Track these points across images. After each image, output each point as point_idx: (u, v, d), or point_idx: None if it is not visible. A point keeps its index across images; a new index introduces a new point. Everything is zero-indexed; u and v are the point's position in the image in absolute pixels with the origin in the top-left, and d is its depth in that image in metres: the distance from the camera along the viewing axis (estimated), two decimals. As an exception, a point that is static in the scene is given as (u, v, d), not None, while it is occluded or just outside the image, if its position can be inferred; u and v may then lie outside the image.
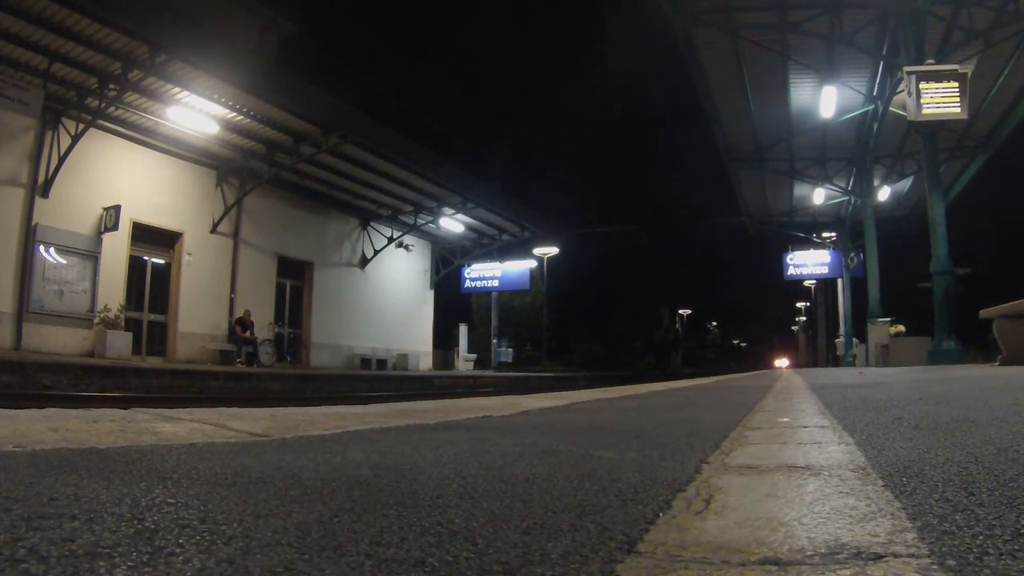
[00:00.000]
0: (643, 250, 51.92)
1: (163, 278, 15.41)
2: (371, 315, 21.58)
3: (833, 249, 26.40)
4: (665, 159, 76.52)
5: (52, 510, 1.00)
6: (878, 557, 0.81)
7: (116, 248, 13.87)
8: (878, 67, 14.94)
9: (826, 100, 15.75)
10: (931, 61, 11.46)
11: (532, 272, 28.49)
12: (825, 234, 26.64)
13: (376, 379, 16.06)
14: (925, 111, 10.68)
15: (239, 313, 16.33)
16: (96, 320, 13.19)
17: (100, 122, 13.04)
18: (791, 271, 27.71)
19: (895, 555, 0.82)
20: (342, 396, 10.80)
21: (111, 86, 12.21)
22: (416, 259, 24.00)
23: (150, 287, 15.07)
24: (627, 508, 1.10)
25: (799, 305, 53.61)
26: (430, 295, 25.26)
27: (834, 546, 0.86)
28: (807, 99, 16.76)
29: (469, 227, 23.52)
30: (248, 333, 16.06)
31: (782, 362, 64.11)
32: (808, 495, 1.18)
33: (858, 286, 22.76)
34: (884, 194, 20.56)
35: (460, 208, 21.24)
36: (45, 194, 12.55)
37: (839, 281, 26.88)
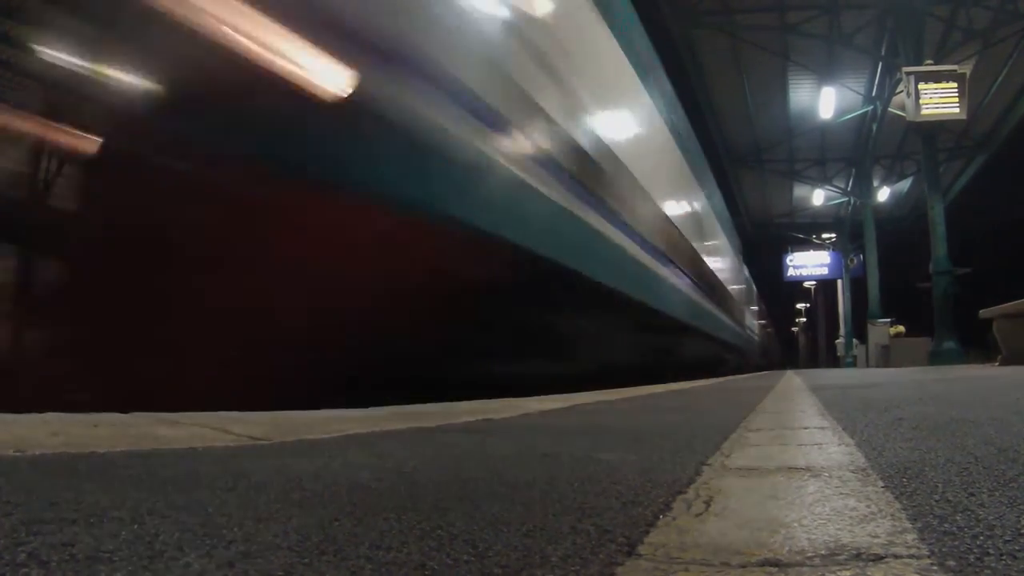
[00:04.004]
0: (643, 252, 51.94)
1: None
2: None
3: (833, 250, 26.44)
4: (665, 160, 76.59)
5: (52, 514, 1.00)
6: (878, 558, 0.81)
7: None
8: (877, 68, 14.98)
9: (825, 101, 15.78)
10: (930, 61, 11.48)
11: (532, 274, 28.41)
12: (825, 235, 26.69)
13: (376, 382, 16.00)
14: (924, 111, 10.71)
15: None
16: (96, 324, 13.18)
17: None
18: (791, 272, 27.78)
19: (895, 556, 0.82)
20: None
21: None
22: (416, 262, 23.97)
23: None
24: (627, 510, 1.10)
25: (799, 306, 53.66)
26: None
27: (834, 547, 0.86)
28: (806, 100, 16.80)
29: (469, 229, 23.45)
30: None
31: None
32: (808, 496, 1.18)
33: (858, 287, 22.77)
34: (883, 195, 20.61)
35: (460, 210, 21.20)
36: (45, 198, 12.57)
37: (839, 282, 26.90)
